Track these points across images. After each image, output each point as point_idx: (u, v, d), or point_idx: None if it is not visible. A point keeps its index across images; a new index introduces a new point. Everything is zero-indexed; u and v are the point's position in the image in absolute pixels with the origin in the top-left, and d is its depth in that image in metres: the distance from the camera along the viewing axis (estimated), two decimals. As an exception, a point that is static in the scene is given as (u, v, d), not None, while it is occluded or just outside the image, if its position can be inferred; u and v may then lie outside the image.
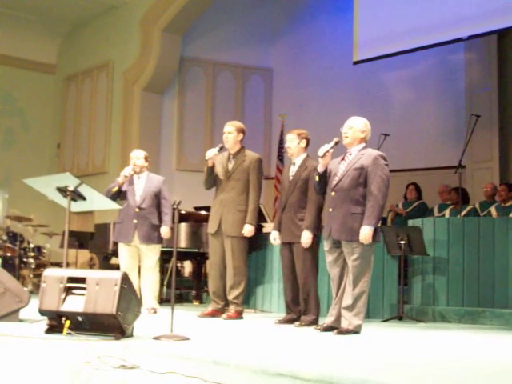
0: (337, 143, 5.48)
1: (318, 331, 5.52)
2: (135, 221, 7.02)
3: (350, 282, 5.36)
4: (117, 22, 13.57)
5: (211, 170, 6.70)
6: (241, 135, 6.77)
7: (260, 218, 8.83)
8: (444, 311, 7.03)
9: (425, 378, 3.27)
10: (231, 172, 6.68)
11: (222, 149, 6.66)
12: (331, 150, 5.45)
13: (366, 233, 5.25)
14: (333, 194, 5.47)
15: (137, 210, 7.04)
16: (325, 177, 5.54)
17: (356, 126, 5.51)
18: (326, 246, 5.56)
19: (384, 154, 5.47)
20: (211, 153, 6.61)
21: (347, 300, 5.35)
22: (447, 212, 9.35)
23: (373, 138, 5.83)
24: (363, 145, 5.51)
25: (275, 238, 6.35)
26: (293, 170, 6.27)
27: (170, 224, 7.04)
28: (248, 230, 6.61)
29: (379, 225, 5.46)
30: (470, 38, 10.18)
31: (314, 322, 5.95)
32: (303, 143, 6.23)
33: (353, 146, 5.52)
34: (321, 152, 5.45)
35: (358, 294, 5.32)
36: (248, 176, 6.67)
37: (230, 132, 6.74)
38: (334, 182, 5.47)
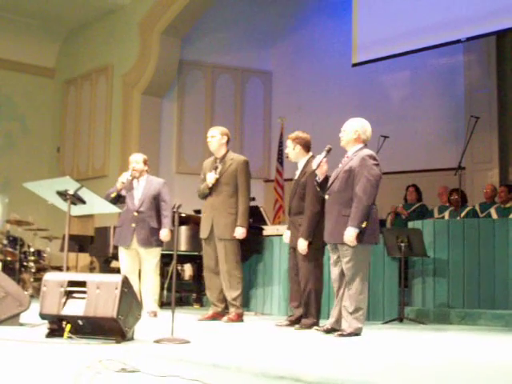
0: (329, 151, 5.51)
1: (318, 333, 5.52)
2: (134, 225, 7.01)
3: (347, 284, 5.38)
4: (116, 25, 13.58)
5: (212, 188, 6.72)
6: (225, 138, 6.80)
7: (260, 221, 8.85)
8: (444, 313, 7.03)
9: (426, 380, 3.27)
10: (219, 176, 6.69)
11: (216, 169, 6.69)
12: (324, 160, 5.47)
13: (349, 235, 5.26)
14: (327, 197, 5.54)
15: (135, 213, 7.03)
16: (327, 183, 5.55)
17: (348, 128, 5.54)
18: (328, 247, 5.60)
19: (374, 153, 5.44)
20: (212, 177, 6.66)
21: (346, 302, 5.37)
22: (447, 214, 9.35)
23: (372, 140, 5.83)
24: (360, 146, 5.50)
25: (287, 238, 6.38)
26: (296, 174, 6.29)
27: (169, 226, 7.03)
28: (239, 232, 6.60)
29: (377, 227, 5.47)
30: (469, 39, 10.18)
31: (315, 325, 5.95)
32: (298, 148, 6.22)
33: (348, 147, 5.54)
34: (314, 164, 5.49)
35: (355, 296, 5.33)
36: (236, 179, 6.69)
37: (214, 136, 6.79)
38: (328, 185, 5.51)
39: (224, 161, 6.74)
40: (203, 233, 6.80)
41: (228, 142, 6.86)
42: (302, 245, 5.96)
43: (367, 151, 5.45)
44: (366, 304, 5.43)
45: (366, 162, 5.34)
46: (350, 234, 5.25)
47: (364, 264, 5.39)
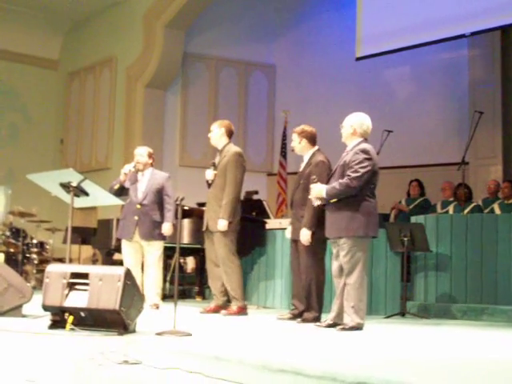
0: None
1: (320, 328, 5.53)
2: (136, 217, 7.02)
3: (345, 278, 5.41)
4: (120, 17, 13.56)
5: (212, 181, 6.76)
6: (222, 130, 6.76)
7: (263, 214, 8.84)
8: (447, 308, 7.03)
9: (427, 375, 3.27)
10: (216, 168, 6.70)
11: (214, 164, 6.71)
12: (317, 183, 5.55)
13: (315, 190, 5.44)
14: None
15: (138, 206, 7.04)
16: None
17: (346, 123, 5.59)
18: (330, 241, 5.63)
19: (369, 148, 5.44)
20: (210, 174, 6.69)
21: (346, 296, 5.39)
22: (451, 209, 9.34)
23: (376, 135, 5.83)
24: (358, 140, 5.51)
25: (288, 233, 6.38)
26: (301, 166, 6.29)
27: (171, 220, 7.02)
28: (221, 225, 6.54)
29: (376, 220, 5.48)
30: (473, 34, 10.16)
31: (316, 319, 5.95)
32: (304, 142, 6.22)
33: (347, 142, 5.58)
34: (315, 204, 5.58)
35: (354, 289, 5.34)
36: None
37: (212, 130, 6.82)
38: (327, 181, 5.58)
39: (221, 153, 6.75)
40: (204, 225, 6.82)
41: (229, 134, 6.81)
42: (305, 235, 5.95)
43: (362, 145, 5.45)
44: (365, 297, 5.44)
45: (357, 156, 5.36)
46: (316, 190, 5.43)
47: (362, 257, 5.39)
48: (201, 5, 12.61)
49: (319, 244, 6.04)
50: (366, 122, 5.54)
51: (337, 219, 5.41)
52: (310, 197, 5.54)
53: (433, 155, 11.71)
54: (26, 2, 13.54)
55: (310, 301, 6.06)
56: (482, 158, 11.15)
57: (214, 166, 6.70)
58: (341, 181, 5.33)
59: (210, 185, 6.76)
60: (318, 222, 5.91)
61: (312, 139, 6.24)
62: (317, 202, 5.49)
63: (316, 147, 6.24)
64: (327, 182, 5.57)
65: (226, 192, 6.60)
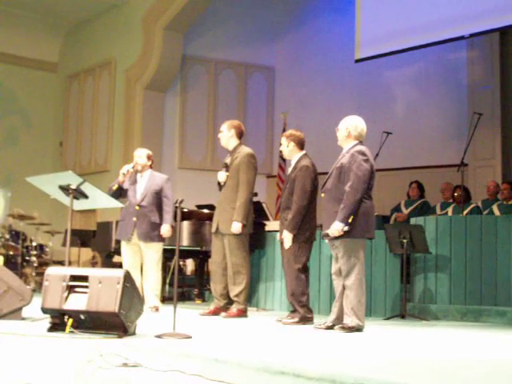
0: None
1: (320, 329, 5.53)
2: (135, 219, 7.01)
3: (343, 280, 5.41)
4: (119, 20, 13.57)
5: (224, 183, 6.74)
6: (232, 131, 6.75)
7: (262, 216, 8.84)
8: (446, 309, 7.03)
9: (427, 376, 3.27)
10: (228, 170, 6.69)
11: (226, 166, 6.69)
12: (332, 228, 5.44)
13: (334, 228, 5.31)
14: (322, 195, 5.62)
15: (137, 207, 7.04)
16: None
17: (340, 126, 5.62)
18: (328, 243, 5.63)
19: (365, 149, 5.46)
20: (222, 176, 6.66)
21: (345, 297, 5.41)
22: (450, 210, 9.34)
23: (375, 136, 5.84)
24: (353, 143, 5.53)
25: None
26: (289, 171, 6.36)
27: (170, 222, 7.01)
28: (234, 227, 6.51)
29: (372, 221, 5.47)
30: (472, 35, 10.17)
31: (305, 319, 5.99)
32: (291, 145, 6.26)
33: (343, 145, 5.61)
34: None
35: (351, 291, 5.35)
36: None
37: (221, 131, 6.81)
38: (323, 183, 5.57)
39: (233, 154, 6.73)
40: (213, 227, 6.80)
41: (239, 134, 6.78)
42: (285, 237, 6.00)
43: (358, 147, 5.48)
44: (364, 298, 5.43)
45: (355, 157, 5.39)
46: (335, 228, 5.31)
47: (359, 258, 5.40)
48: (200, 7, 12.62)
49: (299, 247, 6.06)
50: (360, 124, 5.57)
51: (332, 220, 5.40)
52: (333, 235, 5.37)
53: (432, 157, 11.72)
54: (25, 5, 13.55)
55: (294, 304, 6.08)
56: (481, 160, 11.15)
57: (227, 167, 6.68)
58: (344, 199, 5.31)
59: (221, 186, 6.74)
60: (302, 225, 5.97)
61: (300, 143, 6.28)
62: (345, 229, 5.33)
63: (303, 152, 6.28)
64: (323, 185, 5.61)
65: (239, 194, 6.58)
